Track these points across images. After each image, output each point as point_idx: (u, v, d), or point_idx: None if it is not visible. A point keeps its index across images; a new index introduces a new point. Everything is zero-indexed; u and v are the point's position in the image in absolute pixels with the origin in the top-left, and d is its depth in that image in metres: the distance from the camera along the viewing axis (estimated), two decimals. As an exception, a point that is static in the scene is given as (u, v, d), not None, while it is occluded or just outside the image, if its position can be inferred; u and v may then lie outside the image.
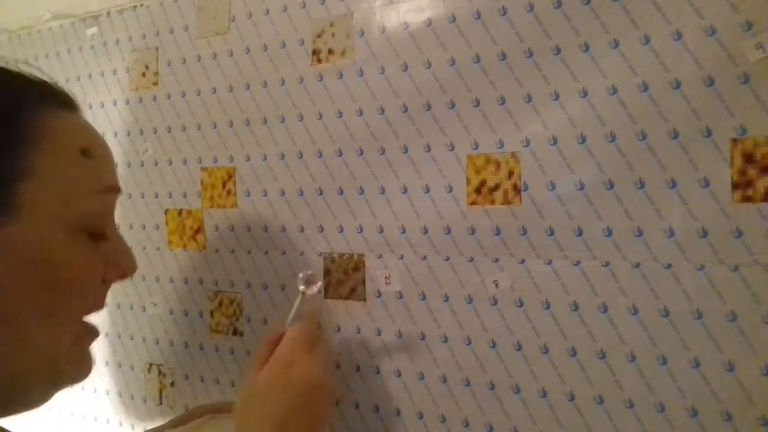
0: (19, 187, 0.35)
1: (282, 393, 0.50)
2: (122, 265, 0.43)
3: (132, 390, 0.79)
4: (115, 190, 0.43)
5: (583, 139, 0.52)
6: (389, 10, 0.61)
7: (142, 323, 0.78)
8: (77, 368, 0.42)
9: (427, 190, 0.59)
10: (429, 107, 0.59)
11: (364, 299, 0.62)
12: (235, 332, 0.71)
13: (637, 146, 0.50)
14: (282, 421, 0.48)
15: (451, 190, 0.58)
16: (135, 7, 0.77)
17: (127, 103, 0.79)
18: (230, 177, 0.71)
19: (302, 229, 0.66)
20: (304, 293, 0.57)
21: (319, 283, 0.59)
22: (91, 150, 0.41)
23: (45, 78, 0.41)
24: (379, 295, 0.62)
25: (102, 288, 0.42)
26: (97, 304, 0.42)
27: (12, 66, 0.40)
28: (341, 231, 0.64)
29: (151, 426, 0.73)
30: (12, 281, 0.35)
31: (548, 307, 0.54)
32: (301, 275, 0.58)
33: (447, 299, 0.59)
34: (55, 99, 0.41)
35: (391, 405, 0.62)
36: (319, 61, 0.65)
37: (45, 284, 0.37)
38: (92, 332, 0.43)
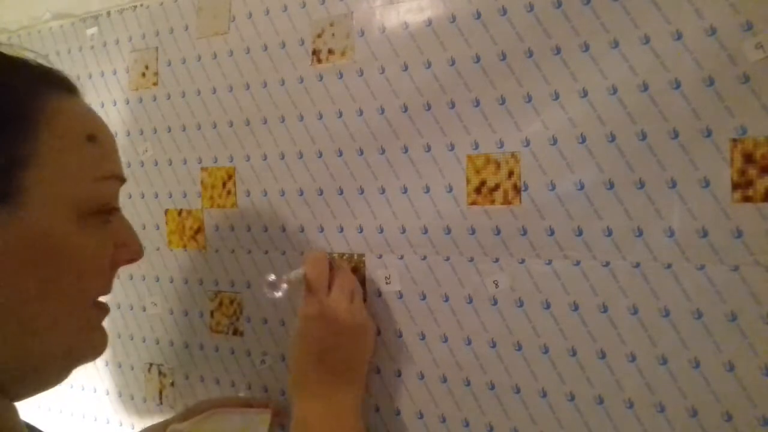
0: (21, 174, 0.35)
1: (322, 332, 0.56)
2: (129, 248, 0.44)
3: (132, 390, 0.79)
4: (120, 178, 0.43)
5: (583, 139, 0.52)
6: (389, 10, 0.61)
7: (142, 323, 0.78)
8: (92, 346, 0.42)
9: (427, 190, 0.59)
10: (429, 107, 0.59)
11: (364, 299, 0.62)
12: (235, 332, 0.71)
13: (637, 146, 0.50)
14: (320, 355, 0.56)
15: (451, 190, 0.58)
16: (135, 7, 0.77)
17: (127, 103, 0.79)
18: (230, 177, 0.71)
19: (302, 229, 0.66)
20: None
21: None
22: (97, 136, 0.40)
23: (43, 62, 0.40)
24: (379, 294, 0.62)
25: (110, 272, 0.43)
26: (105, 288, 0.42)
27: (9, 50, 0.39)
28: (341, 231, 0.64)
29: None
30: (20, 267, 0.35)
31: (548, 307, 0.54)
32: None
33: (447, 299, 0.59)
34: (55, 82, 0.40)
35: (391, 405, 0.62)
36: (319, 61, 0.65)
37: (53, 268, 0.37)
38: (103, 309, 0.43)
